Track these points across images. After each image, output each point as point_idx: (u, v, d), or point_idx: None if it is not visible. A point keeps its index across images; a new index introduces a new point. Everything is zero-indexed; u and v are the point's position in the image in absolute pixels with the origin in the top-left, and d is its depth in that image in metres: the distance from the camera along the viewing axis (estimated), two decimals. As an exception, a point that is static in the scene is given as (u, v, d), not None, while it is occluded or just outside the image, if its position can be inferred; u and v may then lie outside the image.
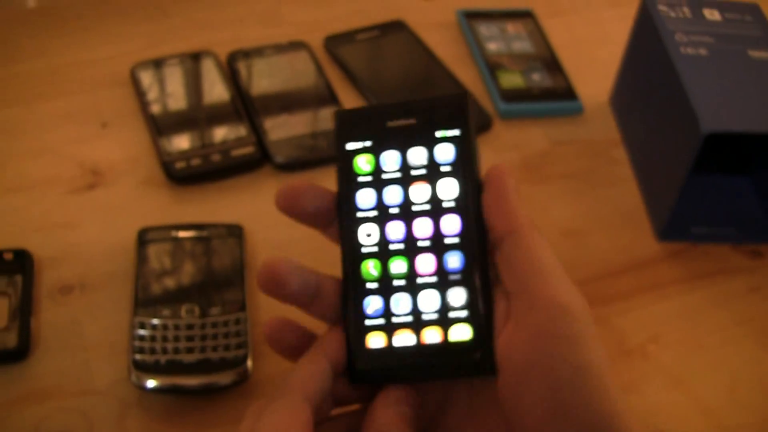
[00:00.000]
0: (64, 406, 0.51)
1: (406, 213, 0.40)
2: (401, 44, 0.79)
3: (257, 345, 0.54)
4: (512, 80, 0.76)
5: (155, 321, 0.53)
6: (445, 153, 0.40)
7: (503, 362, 0.37)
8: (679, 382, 0.57)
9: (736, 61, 0.64)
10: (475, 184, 0.40)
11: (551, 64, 0.79)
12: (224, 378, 0.51)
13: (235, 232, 0.60)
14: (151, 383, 0.51)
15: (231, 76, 0.74)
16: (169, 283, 0.56)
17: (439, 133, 0.40)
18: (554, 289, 0.37)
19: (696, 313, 0.61)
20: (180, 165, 0.65)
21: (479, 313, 0.39)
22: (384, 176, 0.40)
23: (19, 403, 0.51)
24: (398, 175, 0.40)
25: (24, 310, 0.54)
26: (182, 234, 0.59)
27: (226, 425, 0.51)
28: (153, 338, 0.52)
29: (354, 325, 0.39)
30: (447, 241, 0.39)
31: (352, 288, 0.40)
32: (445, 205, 0.40)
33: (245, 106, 0.71)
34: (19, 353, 0.53)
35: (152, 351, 0.52)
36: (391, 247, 0.40)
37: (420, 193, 0.40)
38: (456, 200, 0.40)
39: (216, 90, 0.72)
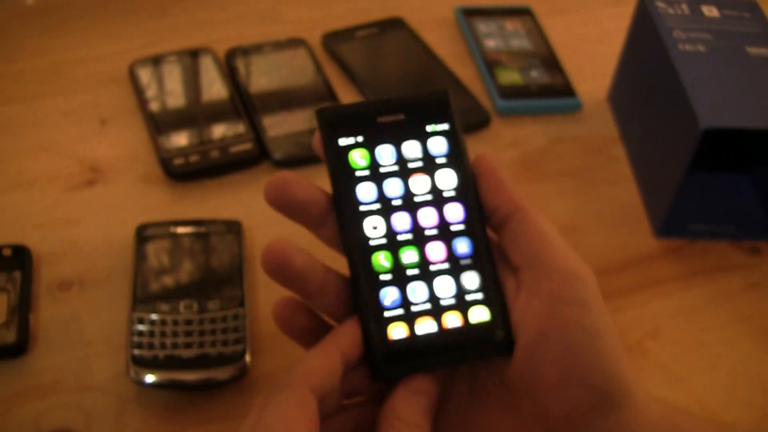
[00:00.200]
0: (63, 401, 0.51)
1: (410, 204, 0.41)
2: (400, 41, 0.79)
3: (256, 340, 0.55)
4: (510, 77, 0.76)
5: (154, 316, 0.53)
6: (438, 146, 0.42)
7: (518, 332, 0.39)
8: (677, 379, 0.57)
9: (735, 58, 0.64)
10: (469, 172, 0.42)
11: (549, 61, 0.79)
12: (223, 373, 0.52)
13: (234, 228, 0.60)
14: (149, 378, 0.51)
15: (229, 73, 0.74)
16: (168, 278, 0.56)
17: (429, 128, 0.42)
18: (564, 258, 0.39)
19: (694, 309, 0.61)
20: (178, 162, 0.65)
21: (493, 293, 0.40)
22: (382, 170, 0.41)
23: (18, 399, 0.51)
24: (396, 168, 0.41)
25: (23, 306, 0.55)
26: (181, 230, 0.59)
27: (224, 420, 0.51)
28: (152, 334, 0.52)
29: (373, 318, 0.39)
30: (453, 228, 0.41)
31: (365, 281, 0.40)
32: (446, 194, 0.41)
33: (244, 103, 0.71)
34: (18, 349, 0.53)
35: (151, 346, 0.52)
36: (400, 237, 0.40)
37: (420, 184, 0.41)
38: (456, 189, 0.41)
39: (214, 87, 0.72)
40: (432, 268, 0.40)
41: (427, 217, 0.41)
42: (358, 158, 0.41)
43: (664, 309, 0.61)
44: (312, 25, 0.80)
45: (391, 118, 0.42)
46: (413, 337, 0.39)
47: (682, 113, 0.60)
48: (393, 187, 0.41)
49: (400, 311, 0.39)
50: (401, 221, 0.40)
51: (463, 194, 0.41)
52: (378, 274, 0.40)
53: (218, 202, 0.64)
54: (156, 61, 0.73)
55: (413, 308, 0.39)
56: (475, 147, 0.43)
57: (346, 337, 0.39)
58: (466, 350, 0.40)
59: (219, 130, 0.68)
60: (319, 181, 0.42)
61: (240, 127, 0.68)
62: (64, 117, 0.70)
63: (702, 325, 0.60)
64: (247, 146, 0.67)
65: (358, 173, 0.41)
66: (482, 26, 0.82)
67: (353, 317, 0.40)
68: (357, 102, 0.71)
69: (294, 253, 0.39)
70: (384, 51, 0.79)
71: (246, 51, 0.75)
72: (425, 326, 0.39)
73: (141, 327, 0.53)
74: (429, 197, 0.41)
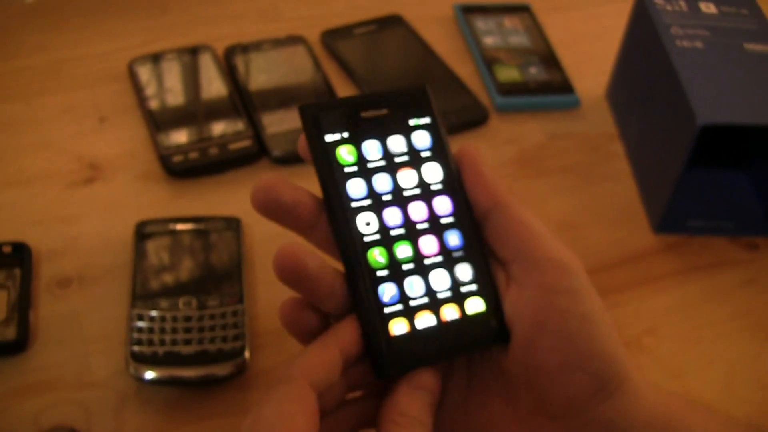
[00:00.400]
0: (62, 397, 0.52)
1: (399, 199, 0.41)
2: (398, 39, 0.80)
3: (255, 337, 0.55)
4: (509, 74, 0.76)
5: (153, 313, 0.54)
6: (422, 139, 0.42)
7: (512, 324, 0.39)
8: (675, 375, 0.57)
9: (732, 55, 0.64)
10: (453, 165, 0.42)
11: (548, 58, 0.79)
12: (222, 369, 0.52)
13: (233, 224, 0.60)
14: (149, 375, 0.51)
15: (228, 70, 0.74)
16: (167, 275, 0.57)
17: (412, 122, 0.42)
18: (549, 248, 0.39)
19: (692, 305, 0.61)
20: (177, 159, 0.65)
21: (487, 284, 0.40)
22: (370, 165, 0.41)
23: (17, 395, 0.52)
24: (383, 163, 0.41)
25: (23, 303, 0.55)
26: (180, 227, 0.59)
27: (224, 417, 0.52)
28: (151, 330, 0.53)
29: (374, 315, 0.39)
30: (443, 221, 0.41)
31: (362, 279, 0.39)
32: (433, 188, 0.41)
33: (242, 101, 0.71)
34: (18, 346, 0.53)
35: (150, 343, 0.52)
36: (393, 233, 0.40)
37: (408, 178, 0.41)
38: (443, 182, 0.41)
39: (213, 84, 0.72)
40: (426, 261, 0.40)
41: (418, 211, 0.41)
42: (346, 154, 0.40)
43: (662, 305, 0.61)
44: (311, 22, 0.80)
45: (375, 113, 0.41)
46: (414, 332, 0.39)
47: (680, 110, 0.60)
48: (382, 182, 0.41)
49: (399, 306, 0.39)
50: (393, 216, 0.40)
51: (449, 187, 0.41)
52: (375, 270, 0.39)
53: (217, 199, 0.64)
54: (155, 58, 0.74)
55: (412, 303, 0.39)
56: (474, 144, 0.43)
57: (346, 332, 0.39)
58: (466, 341, 0.40)
59: (218, 128, 0.68)
60: (316, 179, 0.41)
61: (239, 125, 0.68)
62: (63, 114, 0.70)
63: (700, 321, 0.60)
64: (246, 143, 0.67)
65: (346, 169, 0.40)
66: (481, 23, 0.82)
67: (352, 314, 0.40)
68: (339, 98, 0.71)
69: (306, 257, 0.38)
70: (383, 48, 0.79)
71: (245, 48, 0.75)
72: (425, 320, 0.39)
73: (140, 324, 0.53)
74: (417, 191, 0.41)
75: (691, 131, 0.58)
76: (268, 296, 0.58)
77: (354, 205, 0.40)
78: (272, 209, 0.39)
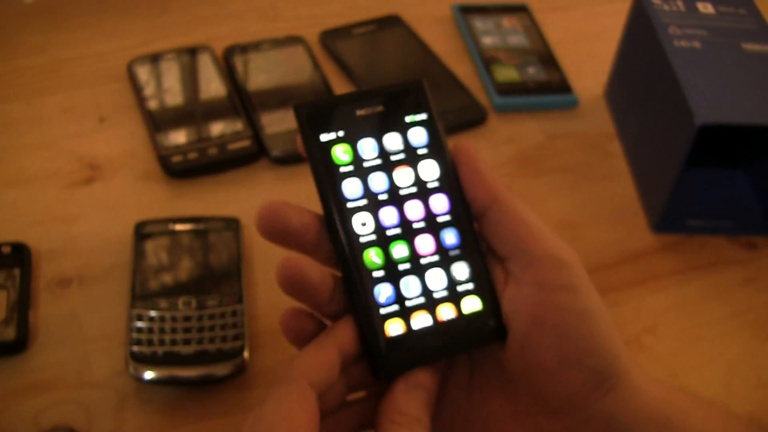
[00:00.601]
0: (62, 397, 0.52)
1: (395, 198, 0.40)
2: (397, 39, 0.80)
3: (254, 337, 0.55)
4: (507, 74, 0.77)
5: (153, 313, 0.54)
6: (419, 136, 0.41)
7: (510, 321, 0.39)
8: (674, 374, 0.57)
9: (730, 54, 0.64)
10: (450, 162, 0.41)
11: (546, 58, 0.79)
12: (221, 369, 0.52)
13: (232, 225, 0.60)
14: (148, 375, 0.51)
15: (228, 70, 0.74)
16: (167, 275, 0.57)
17: (408, 118, 0.41)
18: (547, 244, 0.39)
19: (691, 304, 0.61)
20: (177, 159, 0.65)
21: (483, 282, 0.40)
22: (365, 164, 0.40)
23: (17, 395, 0.52)
24: (379, 161, 0.41)
25: (22, 303, 0.55)
26: (179, 227, 0.59)
27: (223, 416, 0.52)
28: (150, 330, 0.53)
29: (370, 316, 0.39)
30: (439, 219, 0.41)
31: (358, 279, 0.39)
32: (429, 186, 0.41)
33: (242, 101, 0.71)
34: (18, 345, 0.53)
35: (150, 343, 0.52)
36: (389, 232, 0.40)
37: (404, 176, 0.41)
38: (439, 180, 0.41)
39: (213, 84, 0.72)
40: (422, 261, 0.40)
41: (414, 210, 0.40)
42: (341, 153, 0.40)
43: (661, 304, 0.61)
44: (310, 22, 0.80)
45: (370, 110, 0.41)
46: (410, 333, 0.39)
47: (678, 109, 0.60)
48: (378, 182, 0.40)
49: (395, 307, 0.39)
50: (389, 216, 0.40)
51: (446, 185, 0.41)
52: (371, 271, 0.39)
53: (216, 199, 0.64)
54: (154, 58, 0.74)
55: (408, 303, 0.39)
56: (473, 143, 0.42)
57: (343, 331, 0.39)
58: (462, 340, 0.40)
59: (217, 128, 0.68)
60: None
61: (238, 125, 0.68)
62: (63, 114, 0.70)
63: (699, 320, 0.60)
64: (245, 143, 0.67)
65: (342, 169, 0.40)
66: (479, 23, 0.82)
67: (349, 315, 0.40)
68: (334, 95, 0.70)
69: (308, 268, 0.38)
70: (381, 48, 0.79)
71: (244, 48, 0.76)
72: (421, 320, 0.39)
73: (140, 323, 0.53)
74: (414, 189, 0.41)
75: (689, 131, 0.58)
76: (268, 296, 0.58)
77: (350, 205, 0.40)
78: (279, 235, 0.39)
